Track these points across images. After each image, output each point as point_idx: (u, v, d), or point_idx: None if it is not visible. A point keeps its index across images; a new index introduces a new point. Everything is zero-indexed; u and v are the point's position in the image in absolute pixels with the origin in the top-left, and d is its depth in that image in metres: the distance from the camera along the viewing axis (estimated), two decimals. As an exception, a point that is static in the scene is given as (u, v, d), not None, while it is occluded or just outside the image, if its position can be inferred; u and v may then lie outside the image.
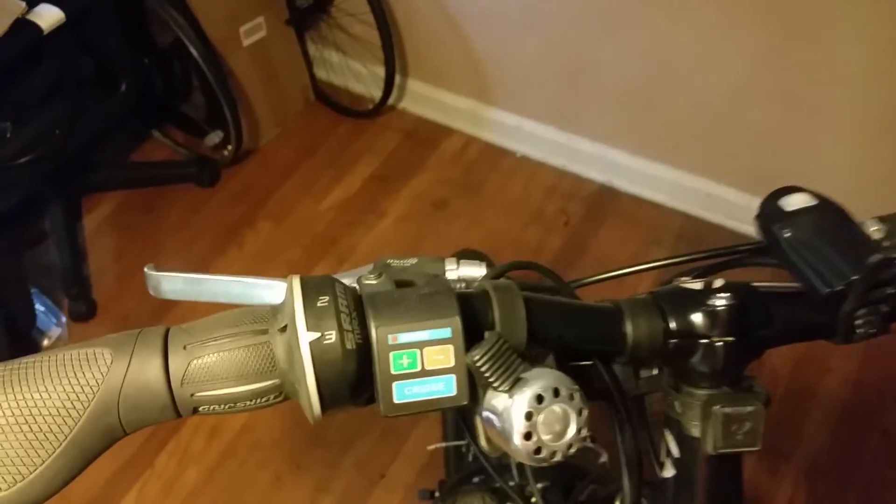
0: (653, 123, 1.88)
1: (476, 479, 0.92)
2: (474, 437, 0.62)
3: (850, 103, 1.59)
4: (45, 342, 1.76)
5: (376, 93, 2.17)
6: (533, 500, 0.75)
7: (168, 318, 1.75)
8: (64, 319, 1.80)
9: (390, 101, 2.20)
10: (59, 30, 1.57)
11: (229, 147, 2.06)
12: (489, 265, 0.52)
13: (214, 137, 2.07)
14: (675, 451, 0.49)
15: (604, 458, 0.84)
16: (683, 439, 0.48)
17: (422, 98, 2.21)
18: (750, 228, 1.84)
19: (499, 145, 2.14)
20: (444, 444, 1.08)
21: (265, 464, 1.56)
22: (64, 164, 1.87)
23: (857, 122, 1.61)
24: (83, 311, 1.82)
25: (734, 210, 1.88)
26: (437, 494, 1.12)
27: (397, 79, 2.15)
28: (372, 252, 1.92)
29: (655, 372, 0.51)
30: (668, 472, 0.50)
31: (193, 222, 2.03)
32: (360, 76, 2.23)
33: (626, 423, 0.49)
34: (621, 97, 1.88)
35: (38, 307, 1.77)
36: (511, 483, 0.75)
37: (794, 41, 1.56)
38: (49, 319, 1.78)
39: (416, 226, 1.98)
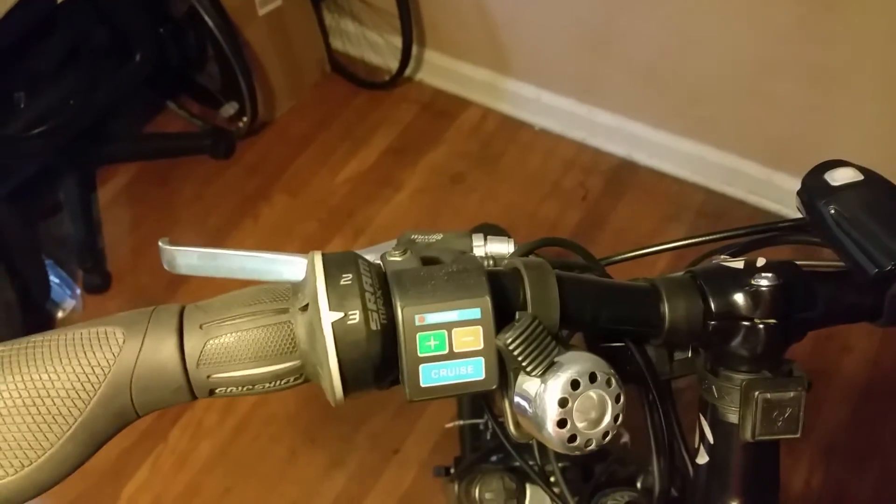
0: (675, 96, 1.84)
1: (494, 458, 0.91)
2: (496, 419, 0.60)
3: (879, 76, 1.54)
4: (60, 314, 1.76)
5: (393, 64, 2.13)
6: (552, 479, 0.73)
7: (182, 290, 1.74)
8: (78, 291, 1.80)
9: (407, 72, 2.16)
10: (73, -1, 1.55)
11: (244, 118, 2.03)
12: (516, 242, 0.49)
13: (230, 109, 2.04)
14: (710, 437, 0.47)
15: (625, 439, 0.83)
16: (719, 425, 0.46)
17: (439, 69, 2.18)
18: (772, 204, 1.81)
19: (517, 118, 2.10)
20: (462, 423, 1.06)
21: (279, 438, 1.56)
22: (78, 136, 1.86)
23: (887, 96, 1.57)
24: (98, 283, 1.81)
25: (756, 185, 1.85)
26: (452, 471, 1.11)
27: (414, 49, 2.11)
28: (388, 225, 1.90)
29: (689, 354, 0.49)
30: (702, 458, 0.48)
31: (208, 194, 2.01)
32: (376, 47, 2.19)
33: (657, 408, 0.47)
34: (643, 69, 1.84)
35: (53, 279, 1.76)
36: (531, 462, 0.73)
37: (822, 12, 1.51)
38: (63, 291, 1.78)
39: (432, 199, 1.96)
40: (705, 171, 1.90)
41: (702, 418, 0.47)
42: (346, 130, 2.13)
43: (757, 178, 1.83)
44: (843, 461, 1.49)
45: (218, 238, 1.90)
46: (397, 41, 2.07)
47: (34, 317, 1.71)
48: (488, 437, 1.02)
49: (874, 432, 1.52)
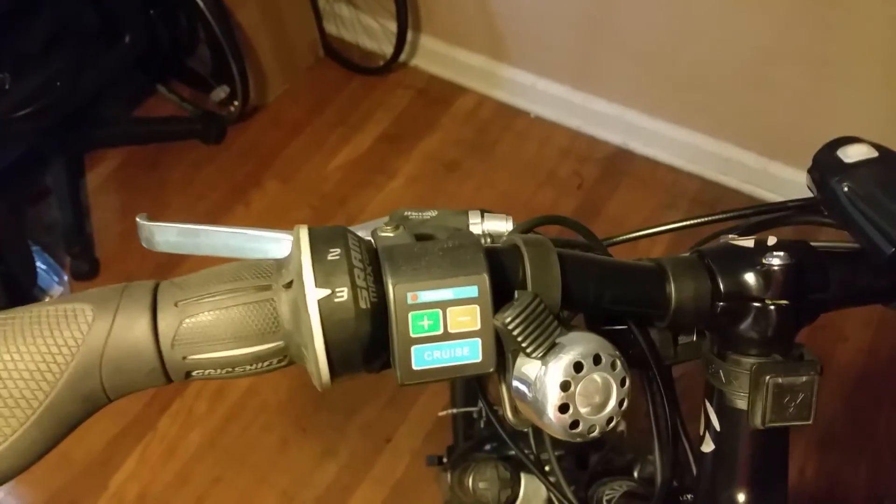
0: (672, 84, 1.82)
1: (488, 447, 0.89)
2: (490, 406, 0.58)
3: (879, 65, 1.52)
4: (47, 300, 1.73)
5: (388, 49, 2.10)
6: (548, 468, 0.71)
7: (172, 276, 1.71)
8: (66, 278, 1.77)
9: (402, 57, 2.13)
10: (59, -23, 1.52)
11: (235, 103, 2.00)
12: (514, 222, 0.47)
13: (220, 93, 2.01)
14: (717, 425, 0.45)
15: (622, 427, 0.80)
16: (726, 411, 0.44)
17: (434, 55, 2.15)
18: (767, 194, 1.78)
19: (512, 105, 2.08)
20: (455, 411, 1.04)
21: (270, 427, 1.54)
22: (66, 119, 1.83)
23: (887, 85, 1.55)
24: (85, 269, 1.78)
25: (752, 174, 1.83)
26: (445, 461, 1.09)
27: (409, 34, 2.08)
28: (382, 213, 1.83)
29: (694, 338, 0.47)
30: (707, 446, 0.46)
31: (199, 180, 1.98)
32: (371, 31, 2.16)
33: (660, 394, 0.45)
34: (640, 56, 1.81)
35: (40, 265, 1.73)
36: (526, 451, 0.71)
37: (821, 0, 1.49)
38: (51, 278, 1.75)
39: (427, 186, 1.93)
40: (701, 159, 1.89)
41: (707, 404, 0.45)
42: (339, 116, 2.10)
43: (753, 167, 1.82)
44: (837, 451, 1.47)
45: (208, 224, 1.87)
46: (392, 26, 2.04)
47: (20, 304, 1.67)
48: (482, 425, 1.00)
49: (869, 422, 1.51)
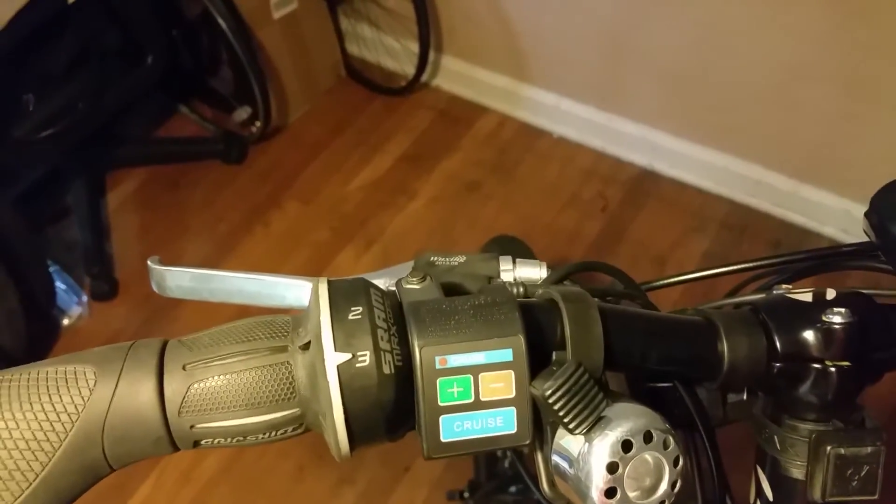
0: (698, 104, 1.79)
1: (513, 489, 0.85)
2: (524, 465, 0.54)
3: (914, 86, 1.48)
4: (66, 321, 1.72)
5: (409, 69, 2.09)
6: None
7: (190, 300, 1.69)
8: (85, 298, 1.76)
9: (424, 77, 2.12)
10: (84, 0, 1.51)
11: (257, 123, 1.99)
12: (548, 267, 0.44)
13: (242, 113, 2.00)
14: (770, 494, 0.41)
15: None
16: (781, 480, 0.40)
17: (456, 75, 2.13)
18: (798, 217, 1.73)
19: (535, 125, 2.05)
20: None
21: (287, 454, 1.51)
22: (88, 139, 1.83)
23: (923, 107, 1.50)
24: (105, 290, 1.77)
25: (783, 197, 1.79)
26: (466, 496, 1.06)
27: (431, 55, 2.07)
28: (402, 234, 1.85)
29: (745, 397, 0.43)
30: (758, 515, 0.42)
31: (219, 200, 1.97)
32: (393, 52, 2.15)
33: (708, 458, 0.41)
34: (665, 76, 1.78)
35: (59, 285, 1.72)
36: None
37: (856, 20, 1.46)
38: (70, 298, 1.73)
39: (447, 208, 1.90)
40: (730, 182, 1.85)
41: (759, 471, 0.42)
42: (360, 136, 2.08)
43: (783, 190, 1.78)
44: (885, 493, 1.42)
45: (228, 245, 1.86)
46: (414, 46, 2.02)
47: (39, 324, 1.67)
48: (506, 464, 0.96)
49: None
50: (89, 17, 1.70)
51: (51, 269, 1.72)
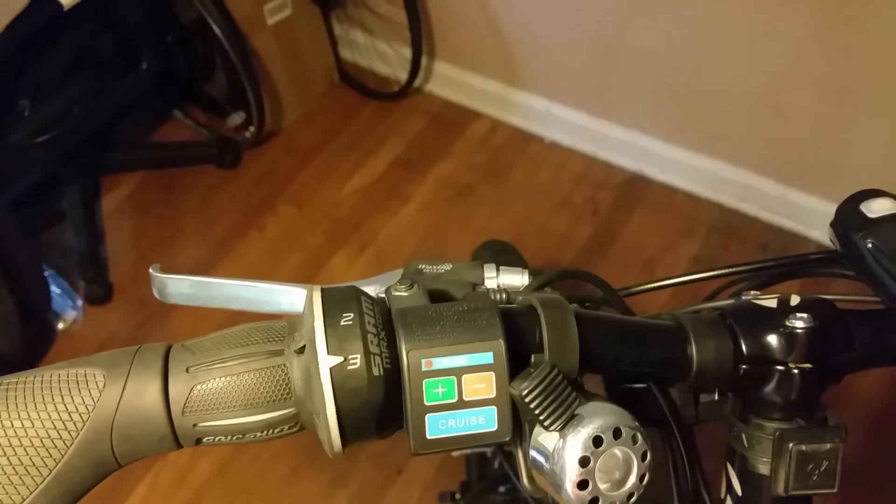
0: (688, 110, 1.81)
1: (502, 489, 0.88)
2: (508, 460, 0.57)
3: (898, 92, 1.51)
4: (60, 325, 1.73)
5: (402, 74, 2.11)
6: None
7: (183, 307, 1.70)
8: (80, 303, 1.77)
9: (416, 83, 2.14)
10: (80, 6, 1.53)
11: (251, 128, 2.01)
12: (530, 272, 0.46)
13: (236, 118, 2.02)
14: (738, 489, 0.43)
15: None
16: (749, 476, 0.43)
17: (448, 80, 2.15)
18: (786, 221, 1.76)
19: (527, 130, 2.08)
20: (469, 450, 1.03)
21: (280, 456, 1.52)
22: (83, 144, 1.84)
23: (906, 113, 1.53)
24: (100, 294, 1.79)
25: (771, 202, 1.81)
26: (457, 497, 1.08)
27: (424, 60, 2.09)
28: (395, 238, 1.87)
29: (716, 397, 0.46)
30: (728, 509, 0.45)
31: (213, 205, 1.99)
32: (385, 57, 2.17)
33: (681, 455, 0.44)
34: (656, 82, 1.81)
35: (54, 289, 1.74)
36: (538, 496, 0.70)
37: (840, 26, 1.48)
38: (65, 302, 1.75)
39: (440, 212, 1.93)
40: (718, 186, 1.87)
41: (729, 467, 0.44)
42: (353, 141, 2.10)
43: (771, 194, 1.80)
44: (858, 485, 1.44)
45: (222, 249, 1.88)
46: (407, 52, 2.04)
47: (34, 328, 1.68)
48: (496, 465, 0.99)
49: (890, 456, 1.48)
50: (85, 23, 1.72)
51: (46, 273, 1.74)
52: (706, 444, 0.50)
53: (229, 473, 1.52)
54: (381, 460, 1.50)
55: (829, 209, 1.62)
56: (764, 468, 0.42)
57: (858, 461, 1.46)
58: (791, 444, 0.40)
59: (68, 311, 1.75)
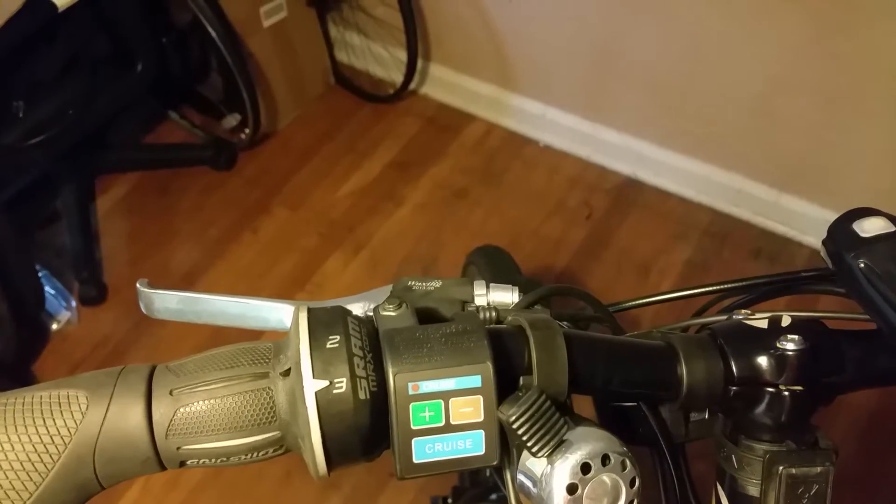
0: (682, 114, 1.81)
1: (494, 496, 0.87)
2: (499, 476, 0.56)
3: (890, 97, 1.51)
4: (54, 326, 1.73)
5: (398, 77, 2.11)
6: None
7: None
8: (74, 303, 1.77)
9: (412, 85, 2.13)
10: (74, 7, 1.52)
11: (246, 130, 2.01)
12: (521, 289, 0.46)
13: (232, 120, 2.02)
14: (728, 509, 0.43)
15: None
16: (738, 497, 0.42)
17: (444, 83, 2.15)
18: (779, 226, 1.76)
19: (522, 133, 2.08)
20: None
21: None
22: (77, 145, 1.83)
23: (899, 118, 1.53)
24: (94, 295, 1.78)
25: (764, 206, 1.82)
26: (449, 502, 1.08)
27: (419, 63, 2.09)
28: (390, 240, 1.87)
29: (706, 416, 0.45)
30: (718, 528, 0.45)
31: (208, 206, 1.98)
32: (381, 60, 2.17)
33: (671, 474, 0.44)
34: (650, 86, 1.81)
35: (48, 290, 1.73)
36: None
37: (834, 31, 1.49)
38: (59, 303, 1.74)
39: (435, 214, 1.92)
40: (712, 191, 1.87)
41: (719, 487, 0.44)
42: (349, 143, 2.10)
43: (764, 199, 1.81)
44: (851, 491, 1.44)
45: (217, 250, 1.87)
46: (402, 55, 2.04)
47: (28, 328, 1.67)
48: (488, 472, 0.98)
49: (883, 462, 1.48)
50: (79, 24, 1.71)
51: (40, 274, 1.73)
52: (697, 453, 0.50)
53: (223, 476, 1.51)
54: (374, 464, 1.49)
55: (822, 214, 1.62)
56: (754, 490, 0.41)
57: (850, 468, 1.46)
58: (781, 468, 0.40)
59: (62, 312, 1.74)
